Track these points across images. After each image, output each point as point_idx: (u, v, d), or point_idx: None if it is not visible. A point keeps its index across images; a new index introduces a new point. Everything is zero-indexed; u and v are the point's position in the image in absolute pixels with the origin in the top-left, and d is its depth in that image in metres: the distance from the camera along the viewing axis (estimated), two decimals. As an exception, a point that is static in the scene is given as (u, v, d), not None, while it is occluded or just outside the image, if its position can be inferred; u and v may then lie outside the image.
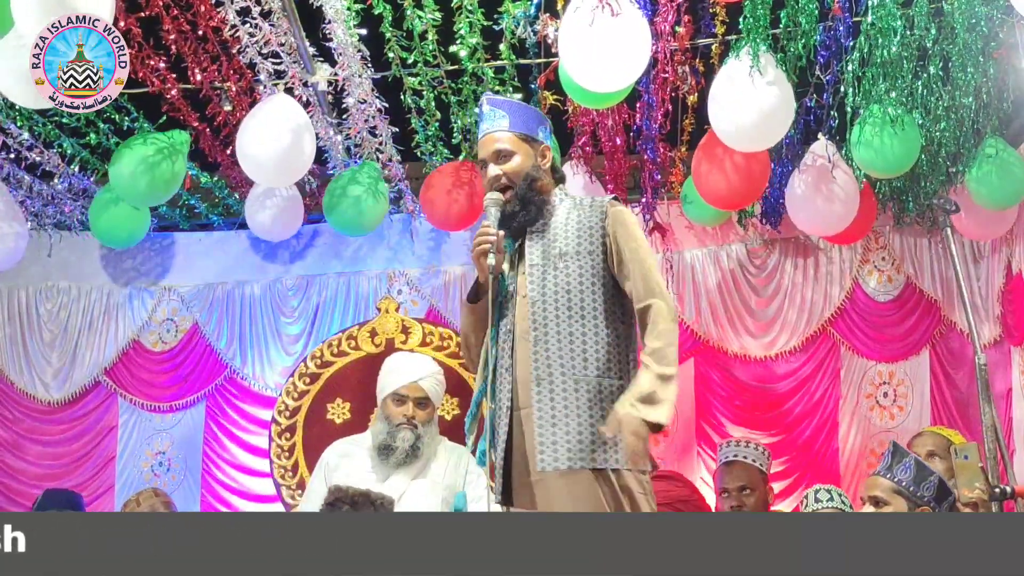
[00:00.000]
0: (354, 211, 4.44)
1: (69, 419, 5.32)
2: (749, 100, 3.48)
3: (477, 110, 3.03)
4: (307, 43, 3.69)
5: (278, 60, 3.70)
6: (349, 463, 3.97)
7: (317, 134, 4.08)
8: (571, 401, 2.67)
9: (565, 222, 2.83)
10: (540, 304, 2.75)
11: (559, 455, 2.63)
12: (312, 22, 3.55)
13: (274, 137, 3.79)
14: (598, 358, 2.71)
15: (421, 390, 3.94)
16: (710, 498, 4.31)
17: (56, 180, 4.67)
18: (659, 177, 4.75)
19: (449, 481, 3.96)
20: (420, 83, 3.95)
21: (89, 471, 5.29)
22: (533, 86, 3.93)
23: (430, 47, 3.70)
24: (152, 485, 4.93)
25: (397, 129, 4.34)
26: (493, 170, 2.86)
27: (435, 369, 4.08)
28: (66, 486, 5.07)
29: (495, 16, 3.57)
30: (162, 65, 3.81)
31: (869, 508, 3.18)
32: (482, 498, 3.89)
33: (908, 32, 3.48)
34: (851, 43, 3.58)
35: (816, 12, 3.39)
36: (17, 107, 3.96)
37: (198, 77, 3.84)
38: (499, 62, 3.85)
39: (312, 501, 3.88)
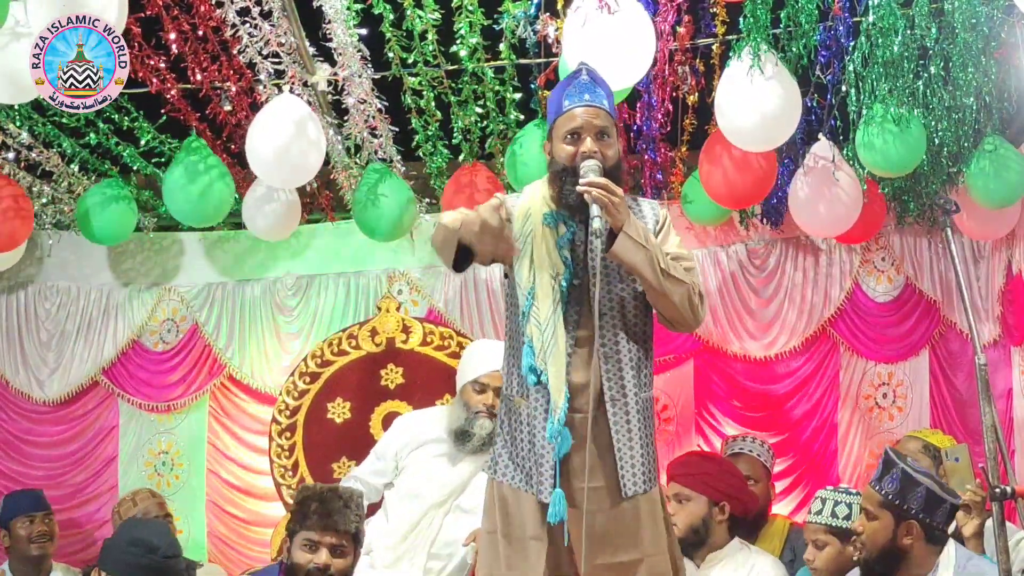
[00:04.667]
0: (389, 219, 4.48)
1: (67, 419, 5.31)
2: (755, 99, 3.47)
3: (570, 76, 2.73)
4: (307, 43, 3.69)
5: (278, 60, 3.70)
6: (418, 440, 4.00)
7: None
8: (639, 421, 2.64)
9: None
10: (609, 317, 2.67)
11: (637, 478, 2.63)
12: (312, 22, 3.55)
13: (284, 138, 3.79)
14: (647, 374, 2.71)
15: (502, 379, 3.90)
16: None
17: (56, 180, 4.67)
18: (660, 177, 4.75)
19: None
20: (420, 83, 3.95)
21: (89, 472, 5.28)
22: (533, 86, 3.93)
23: (430, 47, 3.70)
24: (154, 486, 4.93)
25: (397, 129, 4.33)
26: (591, 144, 2.60)
27: None
28: (66, 487, 5.07)
29: (495, 16, 3.57)
30: (162, 65, 3.81)
31: (861, 519, 3.13)
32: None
33: (909, 32, 3.48)
34: (851, 43, 3.58)
35: (816, 12, 3.39)
36: (17, 107, 3.96)
37: (198, 77, 3.84)
38: (499, 62, 3.85)
39: (370, 464, 4.11)
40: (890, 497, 3.03)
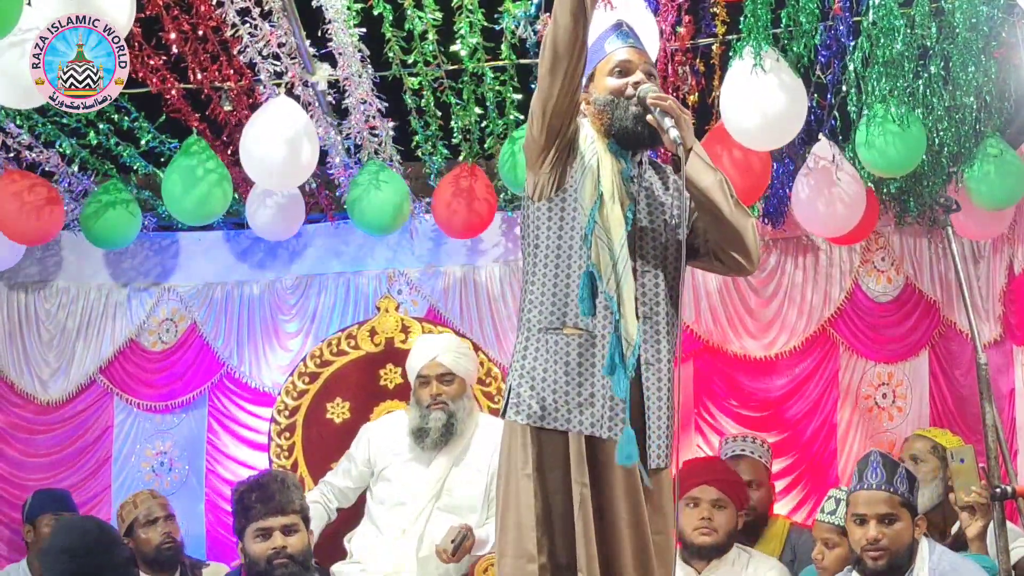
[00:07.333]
0: (380, 213, 4.45)
1: (63, 419, 5.29)
2: (760, 98, 3.47)
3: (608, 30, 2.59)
4: (307, 43, 3.69)
5: (278, 60, 3.70)
6: (389, 448, 4.02)
7: (318, 135, 4.08)
8: (667, 392, 2.45)
9: (659, 184, 2.52)
10: (652, 274, 2.47)
11: (661, 451, 2.44)
12: (312, 22, 3.55)
13: (278, 141, 3.80)
14: (676, 345, 2.50)
15: (441, 366, 3.93)
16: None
17: (56, 180, 4.66)
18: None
19: (493, 465, 3.83)
20: (420, 83, 3.95)
21: (85, 471, 5.27)
22: (533, 86, 3.92)
23: (430, 47, 3.70)
24: (152, 486, 4.91)
25: (397, 125, 4.33)
26: (642, 77, 2.46)
27: (454, 343, 4.05)
28: (62, 486, 5.05)
29: (495, 16, 3.57)
30: (162, 65, 3.81)
31: (874, 527, 3.03)
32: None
33: (909, 32, 3.48)
34: (852, 43, 3.59)
35: (817, 12, 3.40)
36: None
37: (198, 77, 3.84)
38: (499, 62, 3.85)
39: (344, 469, 4.16)
40: (905, 496, 3.05)
